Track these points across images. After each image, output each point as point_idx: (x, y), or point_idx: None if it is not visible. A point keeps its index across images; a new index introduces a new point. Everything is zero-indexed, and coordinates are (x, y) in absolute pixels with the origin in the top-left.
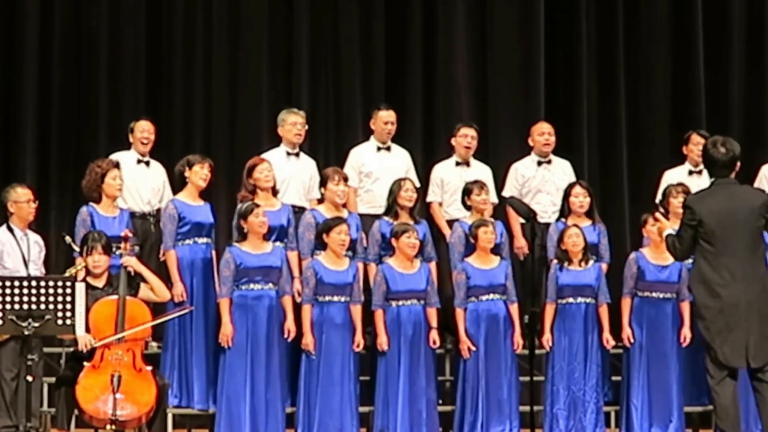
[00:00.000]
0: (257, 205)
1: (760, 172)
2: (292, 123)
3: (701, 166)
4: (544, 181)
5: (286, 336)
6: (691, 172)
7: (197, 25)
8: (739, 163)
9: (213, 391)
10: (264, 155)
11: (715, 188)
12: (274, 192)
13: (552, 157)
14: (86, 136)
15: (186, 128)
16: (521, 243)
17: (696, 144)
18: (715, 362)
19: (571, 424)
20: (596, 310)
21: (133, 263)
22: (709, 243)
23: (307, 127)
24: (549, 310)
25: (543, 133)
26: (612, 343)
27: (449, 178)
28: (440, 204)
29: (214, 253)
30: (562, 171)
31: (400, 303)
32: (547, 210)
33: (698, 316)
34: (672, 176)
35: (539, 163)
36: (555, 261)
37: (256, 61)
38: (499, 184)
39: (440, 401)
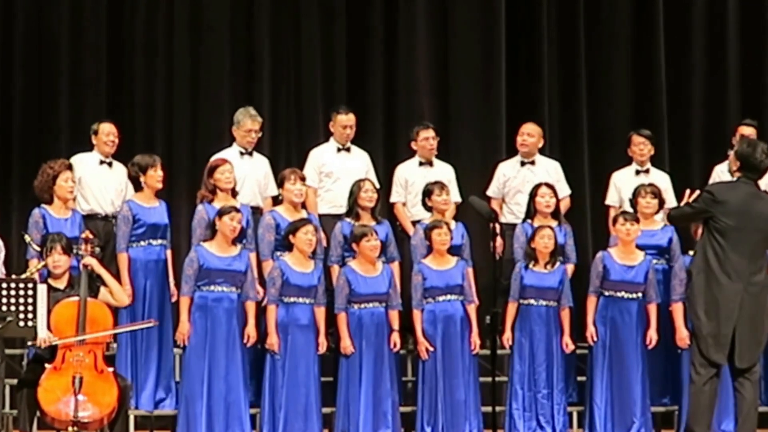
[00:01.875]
0: (236, 210)
1: (714, 171)
2: (247, 130)
3: (648, 165)
4: (524, 181)
5: (245, 341)
6: (638, 172)
7: (158, 26)
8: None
9: (161, 393)
10: (217, 155)
11: (741, 185)
12: (234, 194)
13: (538, 157)
14: (48, 137)
15: (147, 129)
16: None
17: (637, 144)
18: (702, 357)
19: (531, 426)
20: (558, 314)
21: (93, 263)
22: (722, 236)
23: (261, 133)
24: (511, 309)
25: (522, 133)
26: (571, 347)
27: (413, 178)
28: (404, 204)
29: (169, 253)
30: (545, 172)
31: (363, 306)
32: (523, 211)
33: (693, 306)
34: (620, 177)
35: (522, 164)
36: (520, 261)
37: (217, 62)
38: (461, 184)
39: (402, 402)
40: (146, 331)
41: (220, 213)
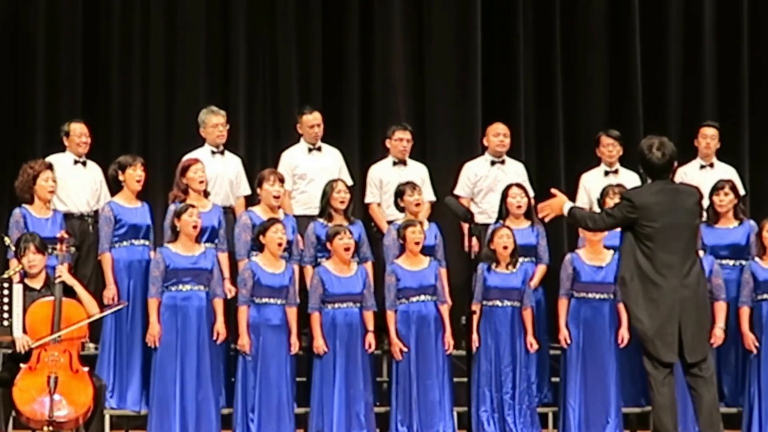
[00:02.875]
0: (192, 206)
1: (677, 174)
2: (214, 125)
3: (617, 166)
4: (496, 181)
5: (215, 339)
6: (606, 173)
7: (134, 26)
8: (676, 163)
9: (147, 393)
10: (189, 155)
11: (656, 185)
12: (206, 194)
13: (506, 158)
14: (23, 138)
15: (123, 129)
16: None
17: (606, 145)
18: (651, 359)
19: (500, 426)
20: (521, 314)
21: (65, 278)
22: (649, 239)
23: (228, 126)
24: (475, 311)
25: (498, 134)
26: (536, 347)
27: (387, 178)
28: (379, 204)
29: (152, 254)
30: (515, 172)
31: (336, 306)
32: (495, 210)
33: (633, 311)
34: (589, 179)
35: (492, 163)
36: (480, 264)
37: (193, 62)
38: (436, 184)
39: (377, 403)
40: (130, 331)
41: (178, 213)
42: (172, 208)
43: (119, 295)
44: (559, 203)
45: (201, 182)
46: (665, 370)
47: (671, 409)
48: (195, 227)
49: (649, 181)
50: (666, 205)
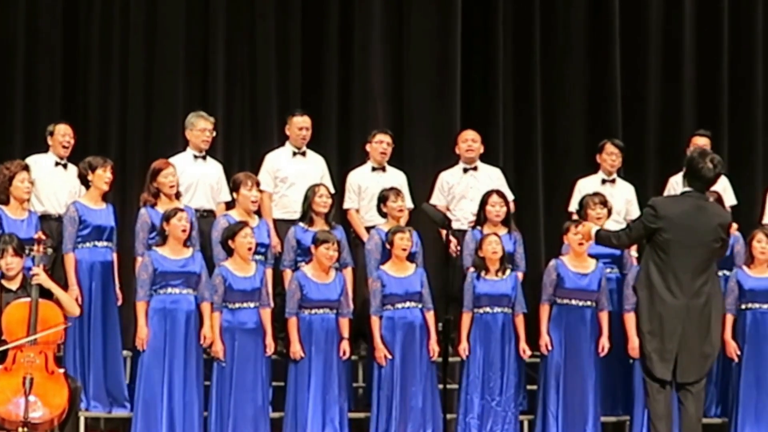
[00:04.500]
0: (181, 210)
1: (669, 182)
2: (201, 129)
3: (614, 175)
4: (468, 187)
5: (202, 342)
6: (604, 181)
7: (114, 28)
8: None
9: (112, 394)
10: (171, 159)
11: (686, 199)
12: (177, 196)
13: (479, 164)
14: (2, 139)
15: (102, 132)
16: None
17: (609, 153)
18: (647, 373)
19: None
20: (513, 320)
21: (42, 280)
22: (663, 251)
23: (215, 133)
24: (465, 319)
25: (466, 140)
26: (528, 353)
27: (366, 184)
28: (357, 210)
29: (115, 256)
30: (488, 178)
31: (314, 311)
32: (468, 217)
33: (639, 321)
34: (585, 185)
35: (465, 170)
36: (471, 269)
37: (172, 65)
38: (415, 191)
39: (352, 408)
40: (92, 334)
41: (167, 217)
42: (143, 212)
43: (82, 296)
44: (587, 230)
45: (171, 186)
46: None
47: (666, 418)
48: (184, 231)
49: (684, 189)
50: (688, 220)
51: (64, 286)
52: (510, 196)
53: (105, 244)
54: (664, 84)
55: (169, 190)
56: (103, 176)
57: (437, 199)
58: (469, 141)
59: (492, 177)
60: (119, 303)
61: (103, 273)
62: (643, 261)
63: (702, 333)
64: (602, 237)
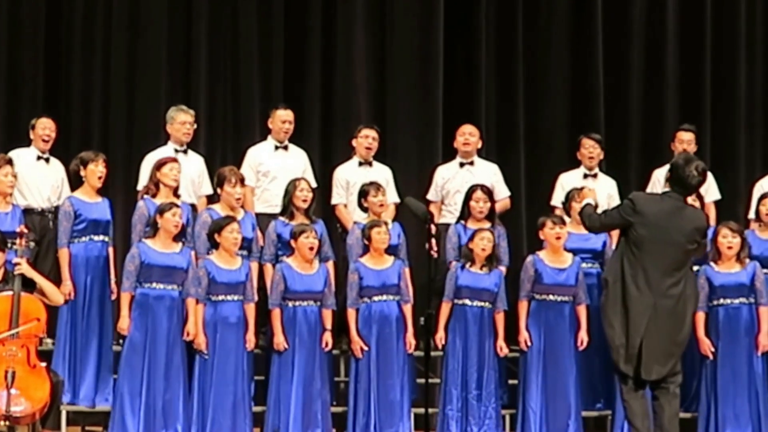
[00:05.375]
0: (176, 205)
1: (653, 176)
2: (182, 122)
3: (596, 170)
4: (464, 182)
5: (185, 337)
6: (585, 176)
7: (96, 21)
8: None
9: (101, 389)
10: (153, 153)
11: (666, 199)
12: (176, 193)
13: (477, 159)
14: None
15: (84, 125)
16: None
17: (586, 147)
18: (616, 369)
19: (463, 427)
20: (492, 316)
21: (24, 270)
22: (637, 247)
23: (195, 125)
24: (444, 309)
25: (463, 133)
26: (505, 351)
27: (354, 179)
28: (345, 206)
29: (111, 250)
30: (485, 173)
31: (297, 303)
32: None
33: (608, 315)
34: (567, 179)
35: (461, 165)
36: (454, 261)
37: (154, 59)
38: (397, 185)
39: (334, 402)
40: (85, 327)
41: (161, 210)
42: (141, 204)
43: (75, 291)
44: (585, 196)
45: (174, 180)
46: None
47: (643, 415)
48: (176, 226)
49: (666, 190)
50: (664, 219)
51: (54, 280)
52: (506, 192)
53: (101, 237)
54: (647, 79)
55: (170, 183)
56: (95, 171)
57: (432, 194)
58: (467, 135)
59: (489, 172)
60: (114, 297)
61: (99, 267)
62: (615, 255)
63: (670, 332)
64: (582, 211)
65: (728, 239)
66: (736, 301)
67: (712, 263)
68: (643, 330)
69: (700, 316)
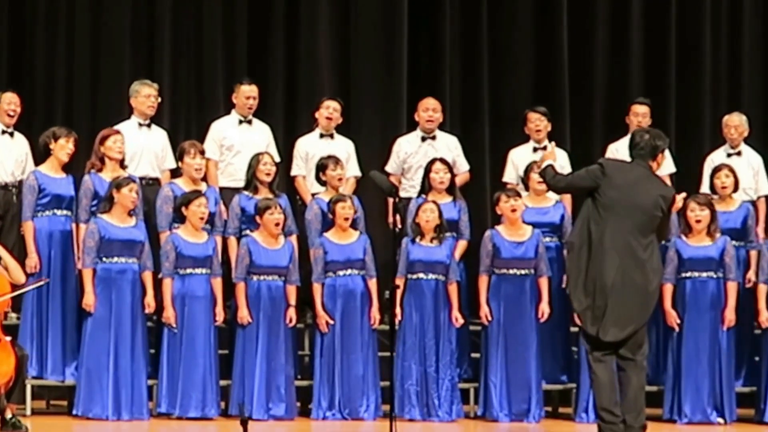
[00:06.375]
0: (133, 181)
1: (608, 149)
2: (146, 95)
3: (545, 143)
4: (426, 156)
5: (146, 310)
6: (535, 149)
7: None
8: (660, 156)
9: (67, 363)
10: (116, 126)
11: (635, 166)
12: (122, 165)
13: (438, 132)
14: None
15: (48, 100)
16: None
17: (532, 121)
18: (584, 335)
19: (424, 401)
20: (446, 288)
21: None
22: (604, 209)
23: (159, 99)
24: (399, 284)
25: (427, 109)
26: (461, 321)
27: (314, 151)
28: (304, 177)
29: (74, 225)
30: (446, 147)
31: (261, 278)
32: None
33: (573, 278)
34: (517, 155)
35: (423, 139)
36: (407, 236)
37: (118, 34)
38: (361, 159)
39: (298, 376)
40: (51, 302)
41: (118, 185)
42: (86, 178)
43: (41, 264)
44: (548, 154)
45: (119, 152)
46: (599, 350)
47: (608, 386)
48: (133, 202)
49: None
50: (632, 183)
51: (17, 255)
52: (465, 166)
53: (64, 212)
54: (611, 52)
55: (115, 156)
56: (65, 146)
57: (391, 167)
58: (430, 110)
59: (450, 146)
60: (77, 271)
61: (62, 241)
62: (581, 218)
63: (633, 295)
64: (545, 170)
65: (696, 213)
66: (704, 274)
67: (682, 235)
68: (608, 289)
69: (668, 288)
